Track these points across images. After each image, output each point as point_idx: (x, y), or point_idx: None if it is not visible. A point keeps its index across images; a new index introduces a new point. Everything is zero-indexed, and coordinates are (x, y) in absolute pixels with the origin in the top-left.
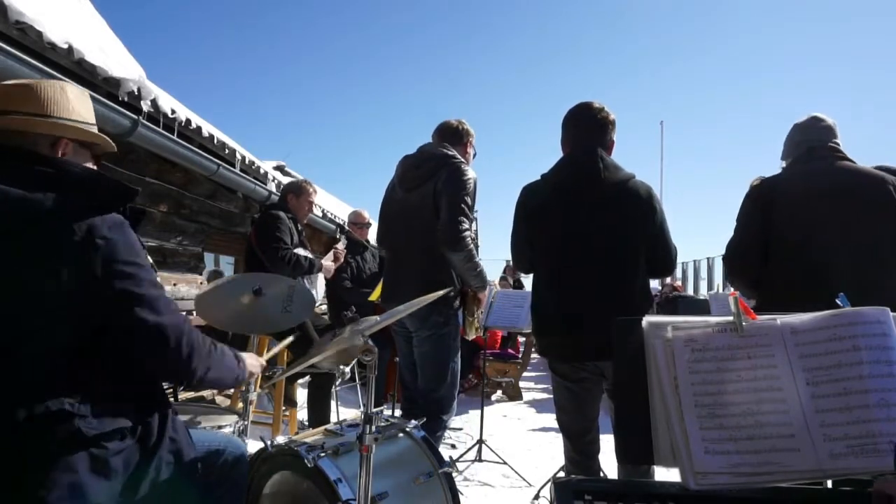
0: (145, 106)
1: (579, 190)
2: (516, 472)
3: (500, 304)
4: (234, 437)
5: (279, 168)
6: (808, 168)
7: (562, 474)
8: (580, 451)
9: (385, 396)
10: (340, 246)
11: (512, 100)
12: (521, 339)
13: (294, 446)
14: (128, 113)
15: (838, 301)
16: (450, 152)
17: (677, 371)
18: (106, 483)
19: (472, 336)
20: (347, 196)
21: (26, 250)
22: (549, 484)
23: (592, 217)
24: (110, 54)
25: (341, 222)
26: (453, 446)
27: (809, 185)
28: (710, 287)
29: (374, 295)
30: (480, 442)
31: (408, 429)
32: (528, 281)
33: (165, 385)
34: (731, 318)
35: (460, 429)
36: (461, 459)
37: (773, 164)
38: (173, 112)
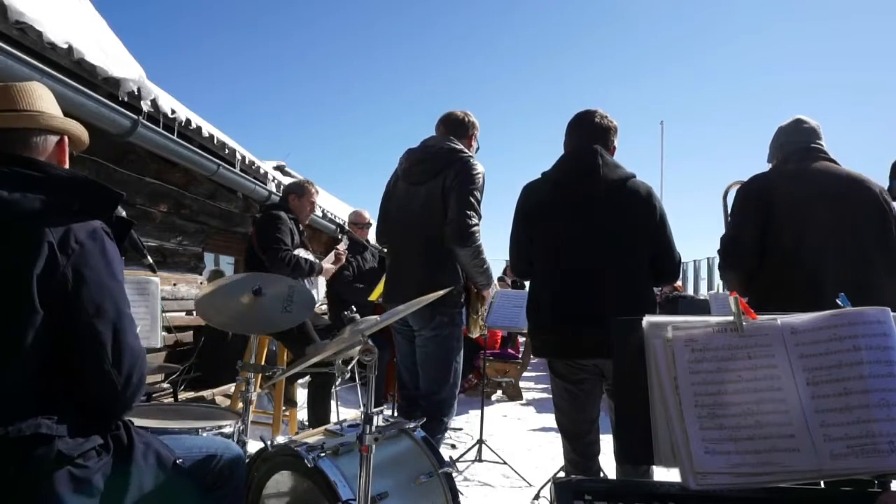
0: (145, 106)
1: (578, 186)
2: (516, 472)
3: (499, 304)
4: (229, 440)
5: (279, 168)
6: (801, 169)
7: (562, 474)
8: (580, 452)
9: (385, 396)
10: (342, 246)
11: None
12: (521, 339)
13: (294, 446)
14: (128, 113)
15: (839, 301)
16: (457, 146)
17: (677, 371)
18: (90, 501)
19: (476, 334)
20: (347, 196)
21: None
22: (549, 484)
23: (591, 213)
24: (110, 54)
25: (341, 222)
26: (453, 446)
27: (805, 186)
28: (710, 287)
29: (375, 294)
30: (480, 442)
31: (408, 429)
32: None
33: (162, 387)
34: (731, 318)
35: (460, 429)
36: (461, 459)
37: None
38: (173, 112)
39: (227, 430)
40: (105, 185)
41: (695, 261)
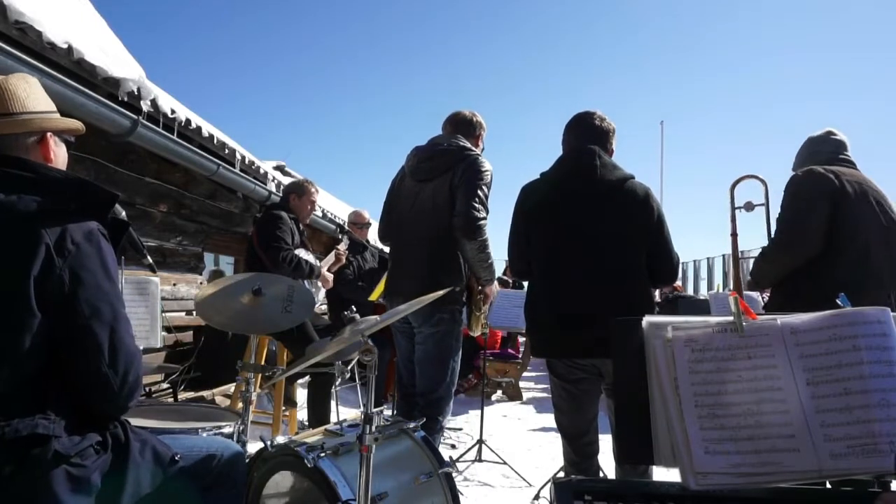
0: (145, 106)
1: (576, 186)
2: (516, 472)
3: (500, 304)
4: (230, 441)
5: (279, 168)
6: (855, 175)
7: (562, 474)
8: (579, 451)
9: (385, 396)
10: (342, 247)
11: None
12: (521, 339)
13: (294, 446)
14: (128, 113)
15: (839, 301)
16: (465, 144)
17: (677, 371)
18: (88, 500)
19: (477, 332)
20: (347, 196)
21: None
22: (549, 484)
23: (589, 213)
24: (110, 54)
25: (341, 222)
26: (453, 446)
27: (859, 186)
28: (710, 287)
29: (375, 294)
30: (480, 442)
31: (408, 429)
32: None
33: (160, 388)
34: (731, 318)
35: (460, 429)
36: (461, 459)
37: (771, 164)
38: (173, 112)
39: (227, 430)
40: (101, 186)
41: (695, 261)
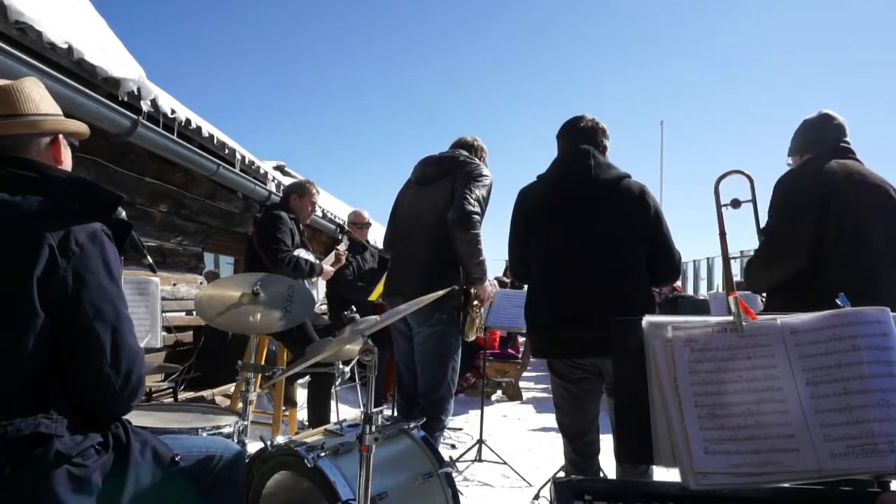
0: (145, 106)
1: (572, 187)
2: (516, 472)
3: (499, 305)
4: (230, 441)
5: (279, 168)
6: (842, 161)
7: (562, 474)
8: (580, 451)
9: (385, 396)
10: (342, 247)
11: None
12: (521, 339)
13: (294, 446)
14: (128, 113)
15: (838, 301)
16: (468, 156)
17: (677, 371)
18: (89, 500)
19: (471, 338)
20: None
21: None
22: (549, 484)
23: (586, 214)
24: (110, 54)
25: (341, 222)
26: (453, 446)
27: (855, 186)
28: (710, 287)
29: (375, 294)
30: (480, 442)
31: (407, 429)
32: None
33: (159, 387)
34: (731, 318)
35: (460, 429)
36: (461, 459)
37: (773, 164)
38: (173, 112)
39: (227, 430)
40: (105, 187)
41: (694, 261)
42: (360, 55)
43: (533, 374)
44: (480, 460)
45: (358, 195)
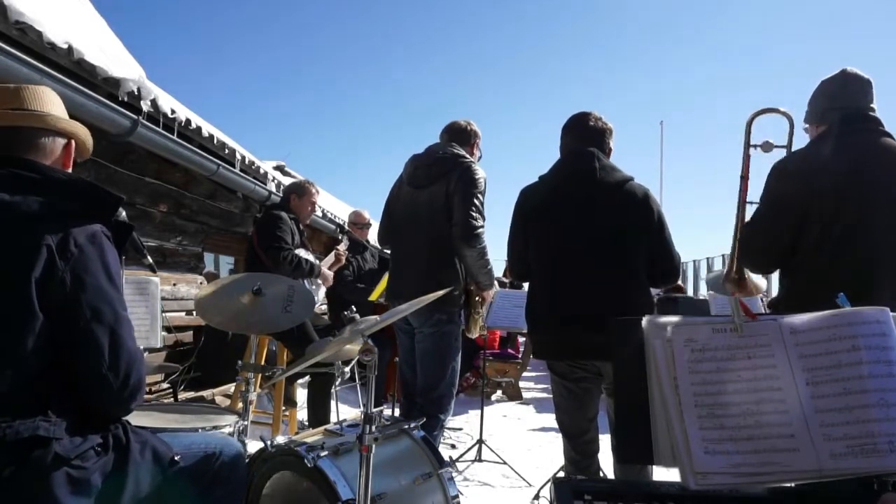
0: (145, 106)
1: (575, 190)
2: (516, 472)
3: (499, 304)
4: (230, 437)
5: (279, 168)
6: (850, 143)
7: (561, 474)
8: (580, 450)
9: (385, 396)
10: (342, 247)
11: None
12: (521, 339)
13: (294, 446)
14: (128, 113)
15: (838, 301)
16: (459, 152)
17: (677, 371)
18: (88, 501)
19: (475, 334)
20: (347, 196)
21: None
22: (548, 484)
23: (588, 216)
24: (110, 54)
25: (341, 222)
26: (453, 446)
27: (855, 167)
28: (710, 287)
29: (375, 294)
30: (480, 442)
31: (407, 429)
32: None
33: (159, 387)
34: (731, 318)
35: (460, 429)
36: (461, 459)
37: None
38: (173, 112)
39: (227, 429)
40: (105, 189)
41: (694, 261)
42: (360, 55)
43: (533, 374)
44: (480, 460)
45: (358, 195)
